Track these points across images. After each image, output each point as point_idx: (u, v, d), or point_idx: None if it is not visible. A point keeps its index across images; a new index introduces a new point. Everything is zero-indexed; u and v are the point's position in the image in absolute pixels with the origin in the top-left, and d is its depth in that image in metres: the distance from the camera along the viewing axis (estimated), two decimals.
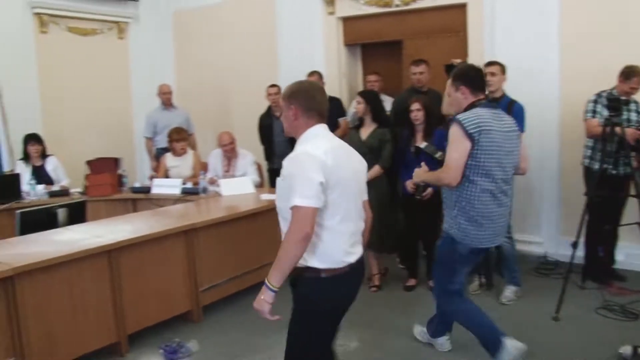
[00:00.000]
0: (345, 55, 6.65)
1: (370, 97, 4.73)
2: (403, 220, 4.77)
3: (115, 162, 6.09)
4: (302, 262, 2.28)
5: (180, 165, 6.02)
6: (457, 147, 3.00)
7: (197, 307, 4.23)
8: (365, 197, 2.53)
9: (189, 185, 5.68)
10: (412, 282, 4.78)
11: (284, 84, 6.57)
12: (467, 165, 3.01)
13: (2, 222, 5.01)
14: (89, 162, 5.94)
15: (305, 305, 2.39)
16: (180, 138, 5.96)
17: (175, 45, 8.04)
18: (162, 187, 5.67)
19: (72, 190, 5.66)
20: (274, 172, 5.77)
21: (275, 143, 6.10)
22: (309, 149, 2.29)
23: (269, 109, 6.16)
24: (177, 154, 6.02)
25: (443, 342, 3.63)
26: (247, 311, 4.25)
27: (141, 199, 5.77)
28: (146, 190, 5.79)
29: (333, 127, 5.46)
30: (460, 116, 3.04)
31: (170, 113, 6.83)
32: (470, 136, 2.96)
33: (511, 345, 3.13)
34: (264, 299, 2.23)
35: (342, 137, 2.76)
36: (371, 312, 4.24)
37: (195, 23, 7.74)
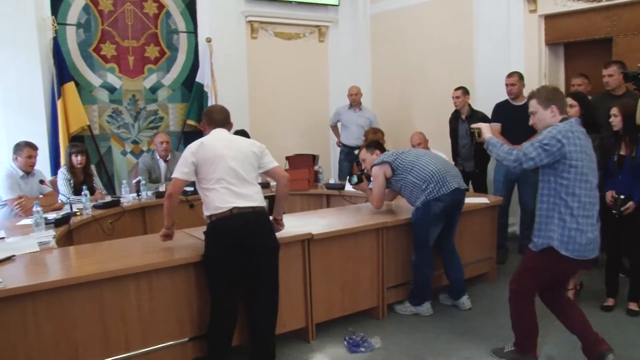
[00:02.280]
0: (547, 55, 6.23)
1: (584, 101, 4.37)
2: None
3: (312, 158, 6.33)
4: None
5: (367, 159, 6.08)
6: None
7: (382, 304, 4.25)
8: None
9: None
10: (610, 302, 4.30)
11: (479, 84, 6.52)
12: None
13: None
14: (288, 158, 6.26)
15: None
16: (375, 138, 6.02)
17: (372, 47, 8.21)
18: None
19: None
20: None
21: (460, 145, 5.99)
22: None
23: (456, 112, 6.03)
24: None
25: None
26: (433, 313, 4.28)
27: (334, 195, 5.98)
28: (340, 187, 5.97)
29: None
30: None
31: (355, 113, 7.18)
32: None
33: None
34: None
35: None
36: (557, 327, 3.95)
37: (391, 25, 7.82)
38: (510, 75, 5.58)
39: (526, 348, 3.42)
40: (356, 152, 6.35)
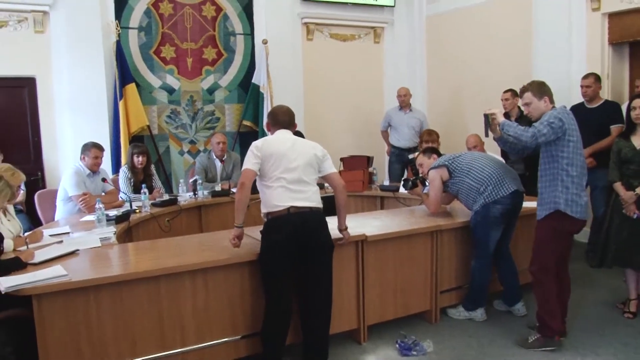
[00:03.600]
0: (610, 55, 6.02)
1: None
2: None
3: (367, 160, 6.31)
4: None
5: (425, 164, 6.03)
6: None
7: (435, 308, 4.21)
8: None
9: None
10: None
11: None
12: None
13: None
14: (343, 159, 6.27)
15: None
16: (430, 140, 5.98)
17: (428, 49, 8.15)
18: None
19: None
20: None
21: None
22: None
23: (506, 114, 5.88)
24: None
25: None
26: (487, 319, 4.21)
27: (389, 197, 5.96)
28: (394, 189, 5.94)
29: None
30: None
31: (404, 115, 7.15)
32: None
33: None
34: None
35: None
36: (618, 338, 3.85)
37: (448, 26, 7.74)
38: (586, 76, 5.40)
39: (551, 331, 3.65)
40: (411, 156, 6.29)
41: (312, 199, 3.37)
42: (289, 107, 3.66)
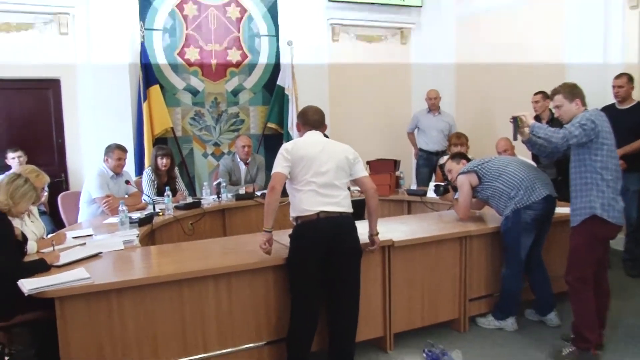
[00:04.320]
0: None
1: None
2: None
3: (394, 163, 6.27)
4: None
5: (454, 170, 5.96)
6: None
7: (463, 317, 4.15)
8: None
9: None
10: None
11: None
12: None
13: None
14: (369, 163, 6.22)
15: None
16: (459, 143, 5.93)
17: (457, 50, 8.05)
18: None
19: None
20: None
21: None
22: None
23: (537, 117, 5.78)
24: None
25: None
26: (518, 329, 4.13)
27: (416, 202, 5.92)
28: (422, 193, 5.89)
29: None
30: None
31: (434, 117, 7.11)
32: None
33: None
34: None
35: None
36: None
37: (477, 27, 7.65)
38: (618, 76, 5.28)
39: (587, 343, 3.52)
40: (441, 160, 6.22)
41: (342, 203, 3.36)
42: (318, 107, 3.63)
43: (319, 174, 3.31)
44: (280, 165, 3.32)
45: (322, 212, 3.27)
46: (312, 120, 3.53)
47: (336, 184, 3.34)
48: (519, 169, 4.13)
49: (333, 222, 3.29)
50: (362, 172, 3.50)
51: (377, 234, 3.60)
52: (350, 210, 3.41)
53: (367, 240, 3.59)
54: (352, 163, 3.44)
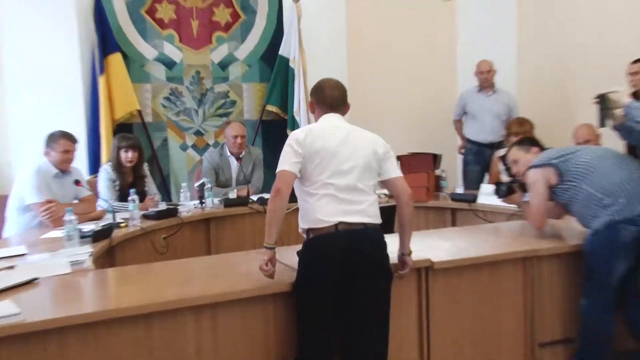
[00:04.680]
0: None
1: None
2: None
3: (433, 159, 6.22)
4: None
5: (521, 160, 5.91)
6: None
7: None
8: None
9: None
10: None
11: None
12: None
13: None
14: (401, 158, 6.13)
15: None
16: (521, 132, 5.84)
17: (519, 12, 7.94)
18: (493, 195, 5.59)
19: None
20: None
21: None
22: None
23: (634, 94, 5.67)
24: None
25: None
26: None
27: (463, 209, 5.89)
28: (471, 198, 5.83)
29: None
30: None
31: (487, 98, 7.13)
32: None
33: None
34: None
35: None
36: None
37: None
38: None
39: None
40: (502, 152, 6.13)
41: (368, 212, 3.29)
42: (338, 80, 3.60)
43: (340, 173, 3.25)
44: (288, 162, 3.25)
45: (341, 223, 3.21)
46: (331, 97, 3.48)
47: (361, 187, 3.28)
48: (618, 168, 3.96)
49: (355, 237, 3.23)
50: (395, 171, 3.44)
51: (410, 252, 3.53)
52: (378, 220, 3.35)
53: (397, 261, 3.53)
54: (382, 159, 3.38)
